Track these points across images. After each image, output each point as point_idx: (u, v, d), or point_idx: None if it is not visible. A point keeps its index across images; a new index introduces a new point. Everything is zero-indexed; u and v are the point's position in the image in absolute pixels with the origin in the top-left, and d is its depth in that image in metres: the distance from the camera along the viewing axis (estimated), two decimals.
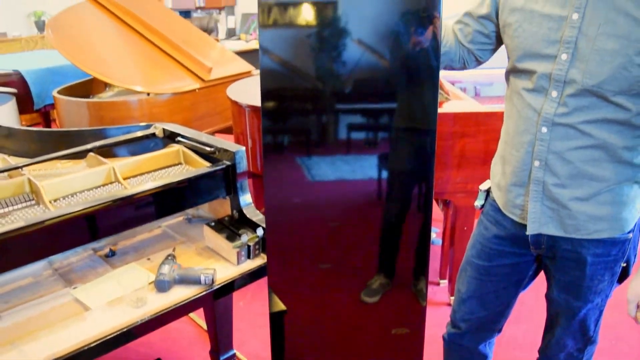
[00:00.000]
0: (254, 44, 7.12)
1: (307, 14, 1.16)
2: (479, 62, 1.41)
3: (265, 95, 1.21)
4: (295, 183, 1.28)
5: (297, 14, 1.16)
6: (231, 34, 7.68)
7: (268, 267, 1.35)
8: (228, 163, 1.60)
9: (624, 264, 1.27)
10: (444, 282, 2.68)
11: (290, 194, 1.30)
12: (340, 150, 1.26)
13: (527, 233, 1.27)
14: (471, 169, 2.15)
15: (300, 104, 1.24)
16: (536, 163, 1.22)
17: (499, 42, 1.35)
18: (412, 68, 1.19)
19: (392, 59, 1.18)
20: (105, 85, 3.49)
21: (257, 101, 2.32)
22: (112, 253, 1.60)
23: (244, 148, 1.62)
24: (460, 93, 2.46)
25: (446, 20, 1.34)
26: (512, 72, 1.27)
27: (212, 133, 3.21)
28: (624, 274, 1.30)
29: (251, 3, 7.71)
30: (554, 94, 1.15)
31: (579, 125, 1.14)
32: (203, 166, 1.64)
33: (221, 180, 1.59)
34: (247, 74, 3.33)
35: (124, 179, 1.60)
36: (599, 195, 1.19)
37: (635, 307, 1.23)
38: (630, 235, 1.24)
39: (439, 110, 1.98)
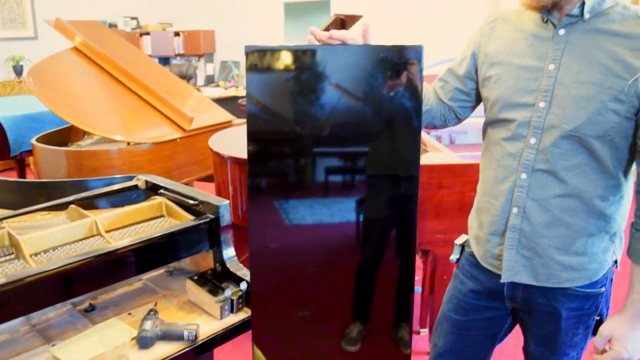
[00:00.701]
0: (233, 92, 7.22)
1: (288, 60, 1.21)
2: (459, 120, 1.47)
3: (249, 138, 1.24)
4: (278, 227, 1.30)
5: (279, 60, 1.21)
6: (210, 81, 7.78)
7: (252, 317, 1.35)
8: (212, 216, 1.61)
9: (598, 317, 1.31)
10: (424, 331, 2.69)
11: (272, 239, 1.32)
12: (321, 194, 1.29)
13: (501, 281, 1.30)
14: (449, 219, 2.20)
15: (281, 147, 1.27)
16: (514, 210, 1.26)
17: (477, 100, 1.41)
18: (391, 114, 1.24)
19: (370, 104, 1.23)
20: (84, 133, 3.49)
21: (238, 152, 2.36)
22: (92, 307, 1.57)
23: (228, 201, 1.63)
24: (437, 144, 2.53)
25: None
26: (491, 124, 1.33)
27: (191, 182, 3.22)
28: (598, 327, 1.33)
29: (230, 51, 7.84)
30: (533, 140, 1.21)
31: (557, 172, 1.19)
32: (186, 219, 1.65)
33: (205, 234, 1.60)
34: (228, 123, 3.37)
35: (106, 232, 1.59)
36: (572, 245, 1.23)
37: (604, 343, 1.26)
38: (603, 289, 1.28)
39: None
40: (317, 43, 1.22)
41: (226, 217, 1.64)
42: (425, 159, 2.26)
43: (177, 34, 7.70)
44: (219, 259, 1.63)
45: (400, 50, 1.19)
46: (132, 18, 7.79)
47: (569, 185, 1.19)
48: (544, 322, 1.32)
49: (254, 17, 7.55)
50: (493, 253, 1.33)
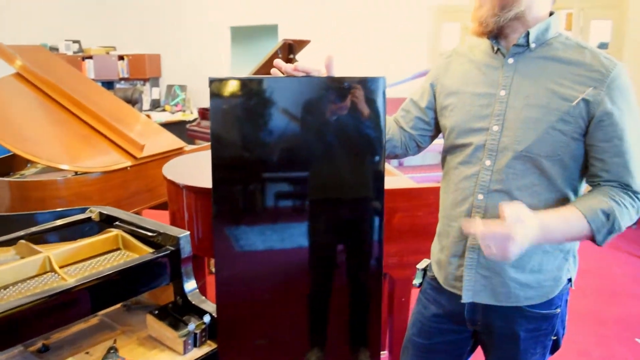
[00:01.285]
0: (180, 116, 7.13)
1: (250, 90, 1.25)
2: (419, 148, 1.52)
3: (214, 165, 1.25)
4: (233, 255, 1.32)
5: (242, 90, 1.25)
6: (156, 105, 7.66)
7: (219, 349, 1.33)
8: (172, 248, 1.58)
9: (554, 337, 1.36)
10: (384, 353, 2.70)
11: (229, 267, 1.33)
12: (273, 219, 1.32)
13: (462, 301, 1.34)
14: (405, 242, 2.23)
15: (243, 173, 1.29)
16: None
17: (437, 129, 1.47)
18: (355, 142, 1.29)
19: (330, 133, 1.28)
20: (27, 162, 3.35)
21: (193, 181, 2.32)
22: (45, 348, 1.50)
23: (188, 233, 1.60)
24: (391, 168, 2.58)
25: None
26: (449, 150, 1.38)
27: (141, 211, 3.14)
28: (555, 346, 1.39)
29: (176, 74, 7.76)
30: (488, 162, 1.27)
31: (511, 192, 1.25)
32: (145, 252, 1.60)
33: (165, 267, 1.56)
34: (180, 150, 3.32)
35: (60, 267, 1.53)
36: (528, 263, 1.28)
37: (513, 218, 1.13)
38: (558, 310, 1.34)
39: None
40: (281, 75, 1.24)
41: (187, 249, 1.61)
42: None
43: (121, 57, 7.57)
44: (180, 291, 1.60)
45: (363, 81, 1.23)
46: (74, 41, 7.60)
47: (524, 204, 1.25)
48: (503, 343, 1.36)
49: (201, 41, 7.52)
50: (454, 275, 1.37)
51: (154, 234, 1.64)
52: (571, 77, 1.20)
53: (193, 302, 1.58)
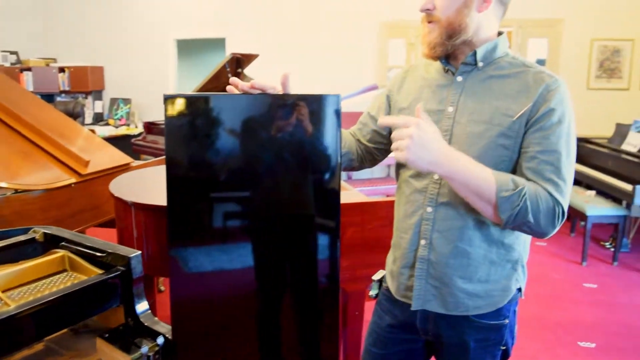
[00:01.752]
0: (124, 130, 6.96)
1: (205, 107, 1.24)
2: (375, 161, 1.56)
3: (168, 184, 1.24)
4: (185, 275, 1.31)
5: (197, 107, 1.23)
6: (99, 118, 7.46)
7: None
8: (122, 269, 1.53)
9: (503, 347, 1.41)
10: None
11: (182, 287, 1.32)
12: (229, 239, 1.32)
13: (412, 309, 1.37)
14: (358, 256, 2.25)
15: (196, 192, 1.28)
16: (422, 242, 1.34)
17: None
18: (311, 158, 1.29)
19: (286, 149, 1.28)
20: None
21: (142, 198, 2.27)
22: None
23: (139, 252, 1.56)
24: (343, 183, 2.60)
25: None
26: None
27: (85, 230, 3.04)
28: (505, 356, 1.43)
29: (120, 87, 7.59)
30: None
31: (458, 205, 1.29)
32: (93, 273, 1.55)
33: (115, 288, 1.51)
34: (127, 166, 3.24)
35: (2, 292, 1.46)
36: (475, 273, 1.32)
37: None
38: (506, 321, 1.38)
39: None
40: (237, 92, 1.24)
41: (138, 269, 1.56)
42: None
43: (62, 69, 7.33)
44: (131, 313, 1.55)
45: (318, 99, 1.25)
46: (12, 52, 7.31)
47: (469, 217, 1.29)
48: (453, 353, 1.40)
49: (146, 53, 7.39)
50: (405, 285, 1.40)
51: (103, 254, 1.59)
52: (514, 94, 1.25)
53: (145, 324, 1.53)
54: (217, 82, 5.29)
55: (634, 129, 4.43)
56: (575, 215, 4.49)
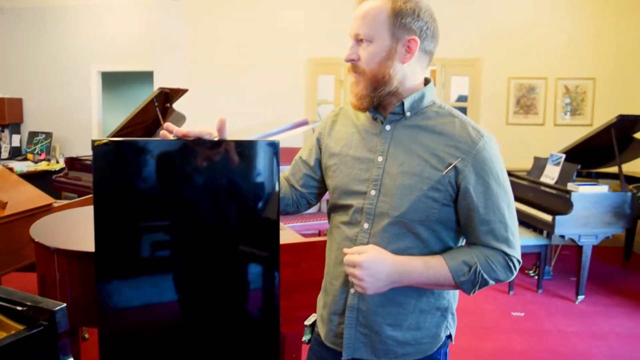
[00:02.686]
0: (44, 166, 6.63)
1: (138, 152, 1.21)
2: (310, 205, 1.54)
3: (95, 226, 1.21)
4: (121, 312, 1.28)
5: (128, 151, 1.21)
6: (16, 153, 7.08)
7: None
8: (46, 323, 1.42)
9: None
10: None
11: (115, 324, 1.29)
12: (157, 274, 1.30)
13: (342, 358, 1.36)
14: (295, 297, 2.22)
15: (125, 234, 1.25)
16: (352, 291, 1.34)
17: (325, 186, 1.49)
18: (247, 202, 1.29)
19: (219, 192, 1.27)
20: None
21: (66, 243, 2.15)
22: None
23: (64, 305, 1.46)
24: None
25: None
26: (333, 209, 1.42)
27: (1, 275, 2.83)
28: None
29: (40, 120, 7.25)
30: (366, 225, 1.31)
31: None
32: (14, 329, 1.43)
33: (38, 344, 1.40)
34: (48, 207, 3.06)
35: None
36: (405, 322, 1.33)
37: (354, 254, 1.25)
38: None
39: None
40: (171, 138, 1.21)
41: (63, 323, 1.46)
42: None
43: None
44: None
45: (256, 144, 1.24)
46: None
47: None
48: None
49: (68, 85, 7.14)
50: (335, 332, 1.39)
51: (24, 308, 1.47)
52: (442, 147, 1.27)
53: None
54: (145, 116, 5.17)
55: (550, 162, 4.69)
56: None
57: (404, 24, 1.26)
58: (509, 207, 1.30)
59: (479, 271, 1.25)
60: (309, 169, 1.48)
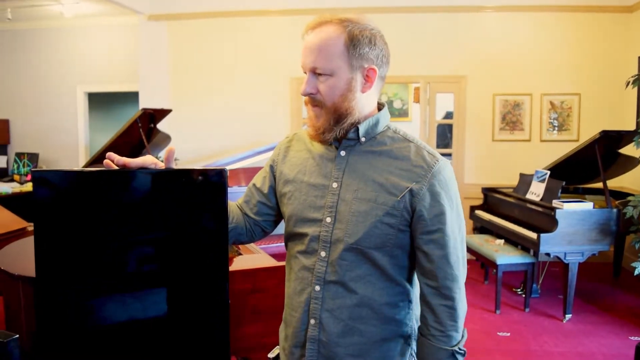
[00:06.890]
0: (30, 187, 6.58)
1: (71, 182, 1.19)
2: (265, 233, 1.50)
3: (36, 260, 1.19)
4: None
5: (65, 182, 1.19)
6: (2, 174, 7.03)
7: None
8: None
9: None
10: None
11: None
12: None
13: None
14: (266, 323, 2.18)
15: (68, 270, 1.20)
16: (312, 321, 1.30)
17: (280, 214, 1.46)
18: (195, 235, 1.23)
19: (168, 227, 1.21)
20: None
21: (31, 270, 2.10)
22: None
23: (17, 336, 1.42)
24: (250, 246, 2.54)
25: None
26: (289, 237, 1.38)
27: None
28: None
29: (27, 141, 7.22)
30: (323, 254, 1.28)
31: (346, 283, 1.26)
32: None
33: None
34: (22, 231, 3.02)
35: None
36: (368, 352, 1.29)
37: None
38: None
39: (230, 268, 2.02)
40: (115, 167, 1.17)
41: (15, 354, 1.42)
42: (238, 264, 2.24)
43: None
44: None
45: (203, 173, 1.20)
46: None
47: (358, 294, 1.27)
48: None
49: (54, 107, 7.13)
50: None
51: None
52: (397, 171, 1.25)
53: None
54: (129, 137, 5.15)
55: (536, 179, 4.67)
56: (487, 264, 4.63)
57: (362, 54, 1.24)
58: (460, 229, 1.29)
59: (458, 341, 1.27)
60: (262, 197, 1.45)
